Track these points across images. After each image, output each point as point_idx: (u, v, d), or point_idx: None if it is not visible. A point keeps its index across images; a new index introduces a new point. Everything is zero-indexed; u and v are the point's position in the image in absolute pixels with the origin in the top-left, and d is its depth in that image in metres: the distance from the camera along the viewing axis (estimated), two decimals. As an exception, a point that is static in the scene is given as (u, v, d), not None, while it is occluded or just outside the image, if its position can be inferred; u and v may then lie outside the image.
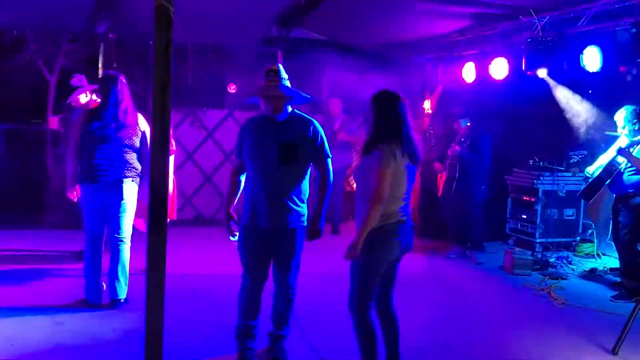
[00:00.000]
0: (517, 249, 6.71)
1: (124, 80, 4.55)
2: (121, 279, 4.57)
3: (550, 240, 7.04)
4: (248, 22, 7.19)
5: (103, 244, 4.63)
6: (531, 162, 7.30)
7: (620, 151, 5.34)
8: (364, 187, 3.26)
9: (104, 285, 4.64)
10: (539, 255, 6.67)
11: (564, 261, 6.69)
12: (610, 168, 5.46)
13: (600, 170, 5.60)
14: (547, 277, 6.09)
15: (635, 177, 5.31)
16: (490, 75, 6.73)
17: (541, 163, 7.23)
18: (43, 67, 7.60)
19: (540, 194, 7.02)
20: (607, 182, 5.51)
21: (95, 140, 4.43)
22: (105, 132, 4.43)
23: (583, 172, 6.51)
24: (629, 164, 5.32)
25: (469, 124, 6.76)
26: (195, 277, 5.65)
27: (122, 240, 4.58)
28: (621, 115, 5.42)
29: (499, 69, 6.56)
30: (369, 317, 3.30)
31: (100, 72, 7.62)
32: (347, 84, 9.25)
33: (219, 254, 6.52)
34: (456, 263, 6.72)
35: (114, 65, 7.66)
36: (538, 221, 7.01)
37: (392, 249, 3.27)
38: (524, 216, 7.25)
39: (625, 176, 5.39)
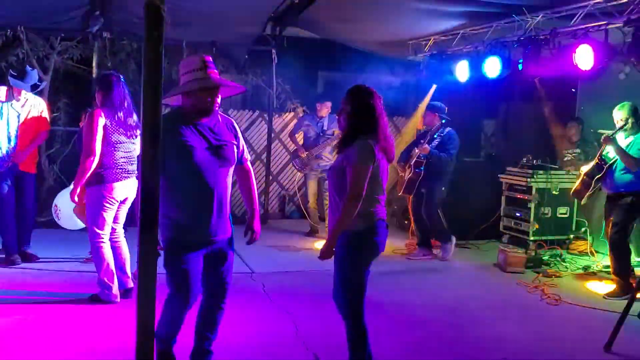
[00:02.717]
0: (510, 246, 6.73)
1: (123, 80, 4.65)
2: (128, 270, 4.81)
3: (544, 238, 7.07)
4: (242, 20, 7.20)
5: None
6: (525, 160, 7.33)
7: (605, 140, 5.33)
8: (341, 185, 3.18)
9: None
10: (533, 253, 6.70)
11: (558, 259, 6.72)
12: (601, 164, 5.48)
13: (590, 166, 5.63)
14: (541, 274, 6.11)
15: (627, 176, 5.33)
16: (483, 74, 6.75)
17: (535, 161, 7.26)
18: (37, 66, 7.57)
19: (533, 192, 7.05)
20: (597, 177, 5.53)
21: (115, 140, 4.52)
22: (118, 133, 4.53)
23: (577, 170, 6.54)
24: (617, 158, 5.33)
25: (443, 121, 6.75)
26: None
27: (125, 235, 4.86)
28: (621, 112, 5.40)
29: (493, 67, 6.58)
30: (364, 321, 3.27)
31: (95, 71, 7.61)
32: (341, 83, 9.29)
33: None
34: (450, 261, 6.73)
35: (108, 65, 7.65)
36: (532, 219, 7.04)
37: (375, 250, 3.25)
38: (518, 214, 7.27)
39: (617, 175, 5.41)
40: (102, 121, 4.41)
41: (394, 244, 7.34)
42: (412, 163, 6.74)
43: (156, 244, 1.63)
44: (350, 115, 3.21)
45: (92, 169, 4.38)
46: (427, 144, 6.64)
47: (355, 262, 3.21)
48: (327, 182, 3.44)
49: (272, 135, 8.94)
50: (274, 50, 8.09)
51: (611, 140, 5.32)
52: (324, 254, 3.17)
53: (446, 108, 6.85)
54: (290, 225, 8.49)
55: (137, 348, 1.60)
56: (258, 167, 8.96)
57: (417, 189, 6.74)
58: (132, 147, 4.61)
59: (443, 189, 6.73)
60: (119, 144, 4.52)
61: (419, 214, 6.83)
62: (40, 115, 5.83)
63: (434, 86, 8.02)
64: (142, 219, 1.55)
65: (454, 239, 6.80)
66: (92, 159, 4.36)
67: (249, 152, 9.31)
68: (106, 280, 4.57)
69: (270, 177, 8.95)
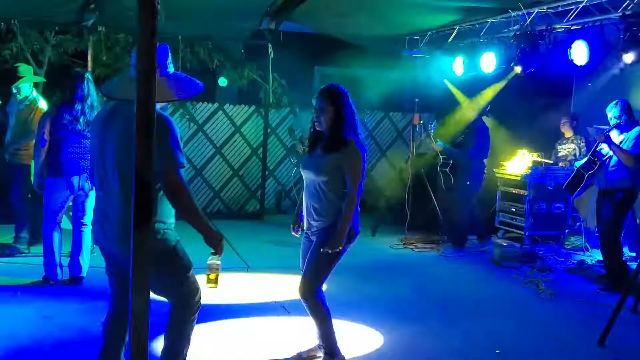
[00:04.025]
0: (506, 241, 6.75)
1: (90, 78, 4.96)
2: (86, 259, 5.04)
3: (539, 233, 7.10)
4: (238, 15, 7.17)
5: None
6: (520, 155, 7.35)
7: (606, 139, 5.33)
8: (336, 182, 3.32)
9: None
10: (528, 248, 6.72)
11: (553, 254, 6.75)
12: (594, 159, 5.50)
13: (584, 161, 5.64)
14: (536, 269, 6.13)
15: (620, 172, 5.34)
16: (479, 69, 6.75)
17: (530, 156, 7.27)
18: (31, 60, 7.54)
19: (529, 187, 7.07)
20: (590, 173, 5.55)
21: (65, 135, 4.80)
22: (75, 127, 4.80)
23: (572, 165, 6.56)
24: (612, 153, 5.34)
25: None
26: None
27: (86, 225, 5.02)
28: (615, 109, 5.40)
29: (488, 62, 6.57)
30: (322, 297, 3.44)
31: (90, 65, 7.57)
32: (338, 77, 9.27)
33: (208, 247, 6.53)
34: (443, 255, 6.76)
35: (104, 58, 7.62)
36: (527, 214, 7.06)
37: (355, 238, 3.44)
38: (513, 209, 7.30)
39: (610, 170, 5.42)
40: (47, 117, 4.84)
41: (390, 239, 7.36)
42: (441, 162, 7.02)
43: (150, 243, 1.59)
44: (335, 116, 3.30)
45: (40, 158, 4.82)
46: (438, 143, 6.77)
47: (341, 253, 3.38)
48: (307, 171, 3.40)
49: (269, 130, 8.93)
50: (270, 45, 8.06)
51: (607, 137, 5.32)
52: (336, 244, 3.29)
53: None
54: (287, 220, 8.46)
55: (132, 339, 1.60)
56: (254, 162, 8.95)
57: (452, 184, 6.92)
58: (85, 142, 4.81)
59: (468, 183, 6.77)
60: (68, 139, 4.80)
61: (449, 210, 6.99)
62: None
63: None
64: (135, 215, 1.54)
65: (463, 250, 6.89)
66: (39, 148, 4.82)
67: (246, 147, 9.30)
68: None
69: (267, 172, 8.95)
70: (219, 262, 2.89)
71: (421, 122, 7.78)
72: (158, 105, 2.64)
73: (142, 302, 1.57)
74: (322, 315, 3.44)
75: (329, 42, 8.54)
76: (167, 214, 2.75)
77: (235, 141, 8.89)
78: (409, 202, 7.54)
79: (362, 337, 4.13)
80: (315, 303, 3.41)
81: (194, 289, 2.84)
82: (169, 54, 2.81)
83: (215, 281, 2.83)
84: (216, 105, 8.79)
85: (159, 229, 2.70)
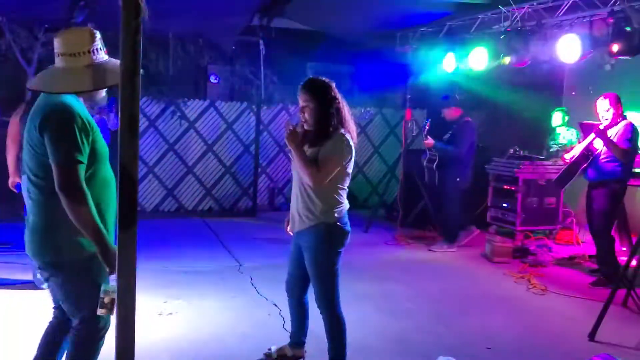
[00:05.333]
0: (498, 237, 6.76)
1: None
2: None
3: (530, 228, 7.12)
4: (229, 11, 7.14)
5: None
6: (511, 151, 7.37)
7: (598, 133, 5.34)
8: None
9: None
10: (520, 243, 6.75)
11: (544, 249, 6.77)
12: (587, 153, 5.50)
13: (576, 155, 5.65)
14: (528, 264, 6.16)
15: (611, 164, 5.35)
16: (470, 65, 6.75)
17: (521, 152, 7.29)
18: (20, 57, 7.49)
19: (520, 182, 7.08)
20: (582, 167, 5.56)
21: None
22: None
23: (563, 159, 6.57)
24: (604, 149, 5.36)
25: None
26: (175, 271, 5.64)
27: None
28: (606, 101, 5.37)
29: (479, 58, 6.57)
30: (341, 310, 3.32)
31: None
32: (330, 74, 9.24)
33: (201, 246, 6.52)
34: (436, 251, 6.77)
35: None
36: (519, 209, 7.08)
37: (346, 239, 3.29)
38: (505, 205, 7.31)
39: (601, 162, 5.42)
40: (14, 118, 4.89)
41: (383, 237, 7.36)
42: (427, 157, 6.90)
43: (135, 244, 1.55)
44: (319, 110, 3.16)
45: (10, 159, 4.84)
46: (431, 138, 6.70)
47: (330, 253, 3.24)
48: (295, 169, 3.33)
49: (261, 127, 8.91)
50: (261, 41, 8.03)
51: (604, 134, 5.31)
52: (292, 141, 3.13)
53: (457, 98, 6.87)
54: (280, 217, 8.43)
55: (117, 342, 1.59)
56: (246, 159, 8.93)
57: (437, 180, 6.84)
58: None
59: (458, 179, 6.76)
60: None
61: (438, 206, 6.95)
62: None
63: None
64: (120, 214, 1.52)
65: (455, 247, 6.87)
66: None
67: (238, 144, 9.29)
68: None
69: (259, 169, 8.93)
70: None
71: (413, 118, 7.80)
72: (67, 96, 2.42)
73: (128, 309, 1.55)
74: (333, 330, 3.31)
75: (321, 38, 8.53)
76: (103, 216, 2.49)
77: (227, 138, 8.87)
78: (402, 199, 7.56)
79: (353, 334, 4.12)
80: (329, 315, 3.29)
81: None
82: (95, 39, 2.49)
83: (110, 307, 2.39)
84: (208, 102, 8.76)
85: (70, 236, 2.42)
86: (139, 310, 1.61)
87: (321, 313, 3.32)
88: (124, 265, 1.55)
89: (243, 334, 4.10)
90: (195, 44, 8.13)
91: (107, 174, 2.56)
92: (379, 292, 5.16)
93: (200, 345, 3.86)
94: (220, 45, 8.48)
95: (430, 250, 6.79)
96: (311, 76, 3.32)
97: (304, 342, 3.63)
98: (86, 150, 2.38)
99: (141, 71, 1.54)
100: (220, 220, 8.01)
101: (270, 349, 3.64)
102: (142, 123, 8.24)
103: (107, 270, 2.42)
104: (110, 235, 2.47)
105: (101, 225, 2.38)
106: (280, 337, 3.91)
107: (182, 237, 7.06)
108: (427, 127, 6.73)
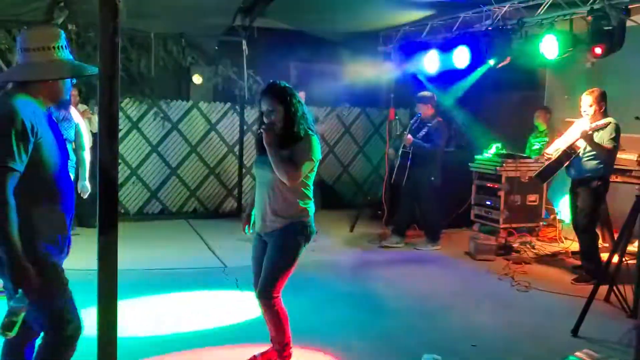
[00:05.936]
0: (481, 234, 6.80)
1: None
2: None
3: (514, 225, 7.15)
4: (211, 11, 7.11)
5: None
6: (494, 148, 7.41)
7: (585, 138, 5.36)
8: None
9: None
10: (503, 241, 6.79)
11: (528, 246, 6.82)
12: (570, 152, 5.55)
13: (560, 153, 5.69)
14: (511, 262, 6.20)
15: (593, 162, 5.41)
16: (452, 64, 6.79)
17: (504, 150, 7.34)
18: (-1, 60, 7.38)
19: (503, 180, 7.12)
20: (565, 165, 5.62)
21: None
22: None
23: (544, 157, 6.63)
24: (588, 148, 5.41)
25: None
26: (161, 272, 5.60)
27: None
28: (590, 97, 5.38)
29: (461, 57, 6.61)
30: (281, 302, 3.40)
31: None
32: (314, 73, 9.25)
33: (184, 247, 6.48)
34: (421, 250, 6.80)
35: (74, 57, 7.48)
36: (502, 207, 7.12)
37: (311, 236, 3.37)
38: (488, 202, 7.35)
39: (583, 160, 5.48)
40: None
41: (368, 235, 7.38)
42: (400, 153, 6.83)
43: (116, 246, 1.54)
44: (287, 114, 3.23)
45: None
46: (410, 135, 6.67)
47: (298, 251, 3.33)
48: (263, 170, 3.35)
49: (245, 127, 8.88)
50: (244, 41, 8.00)
51: (590, 138, 5.33)
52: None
53: (435, 96, 6.87)
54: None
55: (100, 345, 1.58)
56: (230, 159, 8.90)
57: (406, 178, 6.78)
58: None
59: (432, 178, 6.77)
60: None
61: (406, 202, 6.93)
62: None
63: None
64: (100, 217, 1.51)
65: (439, 244, 6.90)
66: None
67: (222, 145, 9.26)
68: None
69: (244, 170, 8.89)
70: (22, 306, 2.22)
71: (397, 117, 7.81)
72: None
73: (111, 312, 1.54)
74: (279, 319, 3.39)
75: (304, 38, 8.52)
76: (46, 227, 2.35)
77: (210, 139, 8.82)
78: (387, 198, 7.57)
79: (339, 333, 4.14)
80: (272, 306, 3.35)
81: (65, 320, 2.43)
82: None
83: (10, 328, 2.19)
84: (191, 103, 8.70)
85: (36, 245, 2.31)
86: (122, 312, 1.59)
87: (263, 305, 3.36)
88: (106, 268, 1.54)
89: (228, 337, 4.08)
90: (177, 45, 8.07)
91: (54, 182, 2.38)
92: (362, 291, 5.17)
93: (185, 347, 3.83)
94: (203, 46, 8.43)
95: (415, 249, 6.81)
96: (271, 80, 3.35)
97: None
98: (22, 157, 2.23)
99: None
100: (205, 222, 7.96)
101: (254, 356, 3.61)
102: (125, 125, 8.18)
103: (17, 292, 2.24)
104: (60, 249, 2.37)
105: (15, 238, 2.19)
106: (266, 339, 3.89)
107: (166, 239, 7.01)
108: (416, 124, 6.75)
